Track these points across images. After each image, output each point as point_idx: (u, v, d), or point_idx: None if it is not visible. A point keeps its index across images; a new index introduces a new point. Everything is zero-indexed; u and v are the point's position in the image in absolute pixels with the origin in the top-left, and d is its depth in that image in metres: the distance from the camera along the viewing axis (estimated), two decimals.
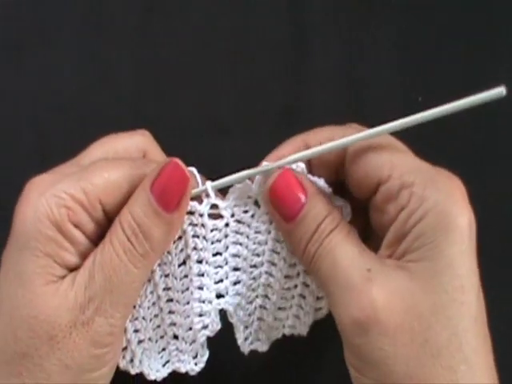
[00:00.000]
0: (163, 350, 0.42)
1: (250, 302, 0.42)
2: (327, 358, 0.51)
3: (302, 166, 0.39)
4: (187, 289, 0.40)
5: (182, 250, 0.40)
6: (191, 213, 0.39)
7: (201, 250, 0.40)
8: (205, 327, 0.41)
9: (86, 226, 0.36)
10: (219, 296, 0.41)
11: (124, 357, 0.40)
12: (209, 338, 0.41)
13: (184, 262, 0.40)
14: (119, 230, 0.36)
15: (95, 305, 0.35)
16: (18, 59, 0.53)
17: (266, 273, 0.41)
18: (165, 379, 0.42)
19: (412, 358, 0.33)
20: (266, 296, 0.42)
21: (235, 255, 0.41)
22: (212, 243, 0.40)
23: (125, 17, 0.54)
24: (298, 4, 0.54)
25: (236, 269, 0.41)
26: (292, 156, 0.39)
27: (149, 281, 0.40)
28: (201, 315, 0.40)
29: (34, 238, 0.35)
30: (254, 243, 0.41)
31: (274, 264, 0.41)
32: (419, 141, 0.38)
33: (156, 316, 0.41)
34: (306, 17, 0.54)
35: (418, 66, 0.53)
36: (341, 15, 0.54)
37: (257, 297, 0.42)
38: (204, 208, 0.39)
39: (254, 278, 0.41)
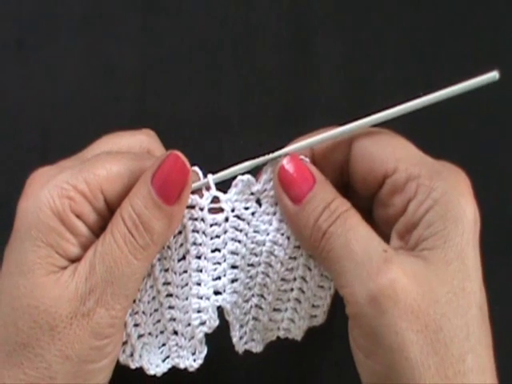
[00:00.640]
0: (163, 345, 0.42)
1: (246, 301, 0.42)
2: (327, 356, 0.51)
3: (306, 160, 0.39)
4: (186, 284, 0.40)
5: (181, 245, 0.40)
6: (191, 207, 0.39)
7: (200, 245, 0.40)
8: (202, 323, 0.41)
9: (87, 217, 0.37)
10: (217, 293, 0.41)
11: (124, 351, 0.40)
12: (208, 335, 0.41)
13: (183, 257, 0.40)
14: (120, 221, 0.36)
15: (96, 296, 0.35)
16: (20, 56, 0.53)
17: (263, 273, 0.41)
18: (164, 374, 0.42)
19: (426, 345, 0.33)
20: (262, 296, 0.42)
21: (233, 252, 0.41)
22: (211, 238, 0.40)
23: (126, 14, 0.54)
24: (299, 2, 0.54)
25: (234, 266, 0.41)
26: (296, 144, 0.39)
27: (149, 275, 0.40)
28: (199, 311, 0.40)
29: (36, 228, 0.35)
30: (252, 242, 0.40)
31: (270, 266, 0.41)
32: (419, 136, 0.39)
33: (156, 310, 0.41)
34: (307, 14, 0.54)
35: (419, 63, 0.53)
36: (342, 12, 0.54)
37: (253, 296, 0.42)
38: (205, 202, 0.39)
39: (250, 277, 0.41)
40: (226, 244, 0.40)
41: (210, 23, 0.54)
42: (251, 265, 0.41)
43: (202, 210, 0.39)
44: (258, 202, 0.41)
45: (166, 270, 0.40)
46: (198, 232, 0.40)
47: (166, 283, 0.40)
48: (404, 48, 0.54)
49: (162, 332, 0.42)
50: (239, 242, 0.40)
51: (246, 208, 0.40)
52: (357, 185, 0.39)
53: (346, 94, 0.52)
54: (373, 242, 0.35)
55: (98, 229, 0.37)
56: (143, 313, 0.40)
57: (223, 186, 0.40)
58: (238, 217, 0.40)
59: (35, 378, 0.34)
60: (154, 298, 0.40)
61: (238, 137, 0.52)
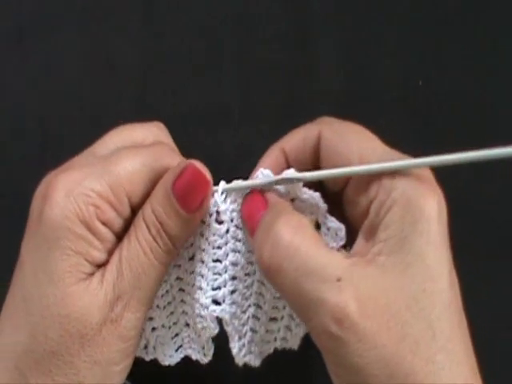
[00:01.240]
0: (176, 335, 0.42)
1: (244, 312, 0.41)
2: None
3: (300, 185, 0.38)
4: (193, 285, 0.40)
5: (191, 245, 0.40)
6: None
7: (203, 251, 0.39)
8: (204, 328, 0.41)
9: (113, 223, 0.36)
10: (216, 302, 0.40)
11: (138, 344, 0.40)
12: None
13: (192, 257, 0.40)
14: (144, 227, 0.36)
15: (124, 301, 0.36)
16: (20, 51, 0.52)
17: (258, 281, 0.41)
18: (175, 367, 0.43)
19: (392, 358, 0.32)
20: (258, 305, 0.41)
21: (234, 264, 0.40)
22: (213, 248, 0.40)
23: (127, 8, 0.52)
24: (300, 0, 0.54)
25: (234, 278, 0.40)
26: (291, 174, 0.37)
27: None
28: (200, 316, 0.40)
29: (65, 236, 0.35)
30: (249, 251, 0.40)
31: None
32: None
33: (169, 303, 0.41)
34: (307, 12, 0.53)
35: (419, 63, 0.53)
36: (342, 11, 0.54)
37: (249, 306, 0.41)
38: (213, 208, 0.39)
39: (247, 287, 0.41)
40: (227, 255, 0.40)
41: (211, 18, 0.53)
42: (248, 274, 0.41)
43: (210, 215, 0.39)
44: None
45: (178, 266, 0.40)
46: (202, 237, 0.39)
47: (178, 278, 0.41)
48: (404, 47, 0.53)
49: (174, 323, 0.42)
50: (239, 252, 0.40)
51: None
52: (326, 182, 0.39)
53: (345, 91, 0.52)
54: (326, 271, 0.33)
55: (122, 231, 0.37)
56: (157, 307, 0.40)
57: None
58: (237, 227, 0.40)
59: None
60: (167, 291, 0.41)
61: (237, 132, 0.52)
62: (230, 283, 0.40)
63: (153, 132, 0.41)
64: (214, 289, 0.40)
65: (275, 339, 0.42)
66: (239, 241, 0.40)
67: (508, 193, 0.52)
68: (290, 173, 0.37)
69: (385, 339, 0.32)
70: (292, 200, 0.39)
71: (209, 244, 0.39)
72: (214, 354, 0.42)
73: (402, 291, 0.33)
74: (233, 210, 0.39)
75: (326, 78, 0.53)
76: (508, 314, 0.49)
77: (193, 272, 0.40)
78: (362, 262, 0.34)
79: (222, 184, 0.39)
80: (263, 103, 0.52)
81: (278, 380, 0.51)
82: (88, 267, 0.36)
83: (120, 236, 0.37)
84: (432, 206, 0.34)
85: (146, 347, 0.41)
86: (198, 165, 0.37)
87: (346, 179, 0.37)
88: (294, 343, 0.42)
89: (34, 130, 0.51)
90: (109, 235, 0.36)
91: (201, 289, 0.40)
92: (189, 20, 0.53)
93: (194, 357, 0.42)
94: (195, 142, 0.49)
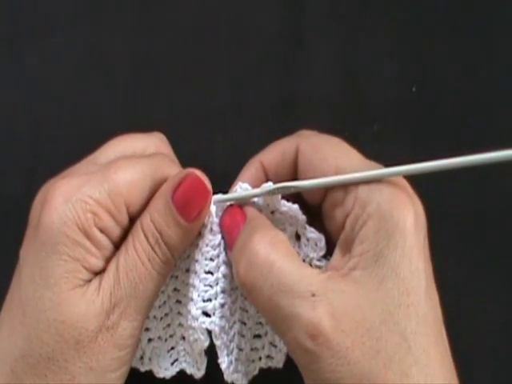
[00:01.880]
0: (172, 348, 0.42)
1: (230, 328, 0.41)
2: None
3: (278, 197, 0.38)
4: (187, 295, 0.40)
5: (188, 257, 0.40)
6: None
7: (196, 261, 0.39)
8: (195, 340, 0.40)
9: (111, 231, 0.37)
10: (207, 314, 0.40)
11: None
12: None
13: (187, 270, 0.40)
14: (142, 237, 0.37)
15: (120, 310, 0.36)
16: (13, 52, 0.52)
17: (242, 295, 0.41)
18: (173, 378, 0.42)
19: (365, 373, 0.32)
20: (243, 322, 0.41)
21: (225, 276, 0.40)
22: (205, 259, 0.39)
23: (120, 10, 0.52)
24: (297, 0, 0.54)
25: (223, 291, 0.40)
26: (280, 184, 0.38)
27: None
28: (192, 328, 0.40)
29: (62, 242, 0.35)
30: None
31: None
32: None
33: (166, 315, 0.41)
34: (303, 11, 0.53)
35: (416, 62, 0.53)
36: (338, 10, 0.53)
37: (235, 322, 0.41)
38: (208, 219, 0.39)
39: (233, 302, 0.41)
40: (219, 268, 0.40)
41: (205, 19, 0.53)
42: (233, 288, 0.40)
43: (205, 226, 0.39)
44: None
45: (176, 277, 0.40)
46: (197, 247, 0.39)
47: (176, 290, 0.41)
48: (401, 47, 0.53)
49: (171, 336, 0.42)
50: (228, 265, 0.40)
51: None
52: (304, 195, 0.39)
53: (340, 91, 0.52)
54: (299, 287, 0.34)
55: (119, 239, 0.38)
56: (154, 317, 0.41)
57: None
58: None
59: None
60: (164, 302, 0.41)
61: (230, 133, 0.51)
62: (220, 296, 0.40)
63: (154, 142, 0.41)
64: (204, 300, 0.39)
65: (260, 358, 0.42)
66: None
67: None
68: (268, 186, 0.38)
69: (358, 355, 0.32)
70: (272, 212, 0.39)
71: (202, 255, 0.39)
72: (208, 369, 0.41)
73: (377, 306, 0.33)
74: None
75: (320, 83, 0.52)
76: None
77: (188, 284, 0.40)
78: (336, 276, 0.34)
79: (217, 195, 0.39)
80: (257, 106, 0.52)
81: None
82: (85, 274, 0.36)
83: (117, 244, 0.38)
84: (407, 218, 0.34)
85: (141, 358, 0.41)
86: (199, 173, 0.37)
87: (323, 192, 0.37)
88: (278, 361, 0.42)
89: (27, 132, 0.51)
90: (106, 243, 0.37)
91: (192, 300, 0.39)
92: (183, 22, 0.53)
93: (188, 371, 0.42)
94: (188, 144, 0.48)
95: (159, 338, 0.41)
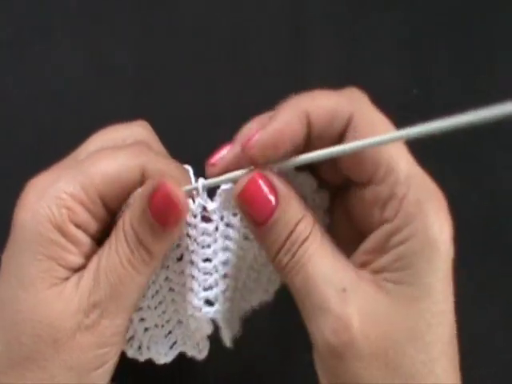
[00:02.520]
0: (170, 332, 0.42)
1: (233, 300, 0.41)
2: None
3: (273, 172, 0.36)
4: (183, 285, 0.40)
5: (178, 246, 0.39)
6: None
7: (192, 251, 0.39)
8: (197, 329, 0.40)
9: (87, 225, 0.36)
10: (209, 302, 0.40)
11: (131, 345, 0.40)
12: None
13: (181, 258, 0.40)
14: (123, 240, 0.36)
15: (100, 309, 0.35)
16: (15, 54, 0.52)
17: (247, 269, 0.40)
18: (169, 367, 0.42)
19: (386, 383, 0.32)
20: (244, 284, 0.41)
21: (224, 262, 0.39)
22: (202, 247, 0.39)
23: (122, 11, 0.53)
24: (297, 1, 0.53)
25: (225, 276, 0.40)
26: (294, 159, 0.35)
27: None
28: (193, 317, 0.40)
29: (36, 241, 0.34)
30: (242, 249, 0.39)
31: (256, 261, 0.40)
32: None
33: (160, 303, 0.41)
34: (304, 13, 0.53)
35: (417, 63, 0.53)
36: (339, 12, 0.53)
37: (238, 291, 0.41)
38: (197, 209, 0.38)
39: (237, 278, 0.40)
40: (216, 254, 0.39)
41: (206, 21, 0.53)
42: (239, 271, 0.40)
43: (195, 216, 0.38)
44: None
45: (166, 267, 0.40)
46: (190, 238, 0.39)
47: (167, 279, 0.40)
48: (402, 48, 0.53)
49: (167, 321, 0.42)
50: (229, 250, 0.39)
51: (235, 214, 0.39)
52: (343, 167, 0.36)
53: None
54: (332, 277, 0.34)
55: (98, 234, 0.37)
56: (148, 307, 0.40)
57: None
58: (227, 225, 0.39)
59: None
60: (157, 291, 0.40)
61: (232, 135, 0.51)
62: (221, 282, 0.40)
63: (136, 131, 0.40)
64: (205, 289, 0.40)
65: (251, 301, 0.42)
66: (230, 239, 0.39)
67: None
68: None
69: (381, 364, 0.32)
70: None
71: (197, 244, 0.39)
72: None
73: (407, 322, 0.33)
74: (223, 208, 0.39)
75: (323, 76, 0.52)
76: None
77: (182, 272, 0.40)
78: (368, 280, 0.34)
79: (201, 181, 0.38)
80: (259, 108, 0.52)
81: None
82: (62, 272, 0.35)
83: (97, 239, 0.37)
84: (448, 245, 0.34)
85: (139, 348, 0.41)
86: (169, 187, 0.35)
87: (367, 181, 0.35)
88: (268, 297, 0.42)
89: (28, 133, 0.51)
90: (84, 238, 0.36)
91: (192, 291, 0.39)
92: (184, 23, 0.53)
93: (189, 353, 0.42)
94: (189, 146, 0.48)
95: (156, 325, 0.41)
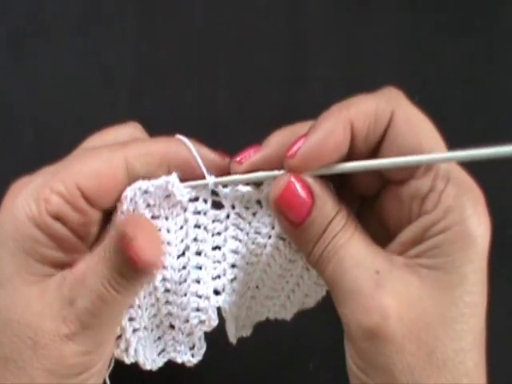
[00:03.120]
0: (159, 338, 0.42)
1: (242, 296, 0.41)
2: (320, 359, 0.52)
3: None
4: (185, 280, 0.40)
5: (182, 241, 0.39)
6: (195, 199, 0.38)
7: (201, 241, 0.39)
8: (201, 322, 0.40)
9: (66, 217, 0.35)
10: (217, 292, 0.40)
11: (118, 345, 0.40)
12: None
13: (183, 253, 0.39)
14: (104, 262, 0.35)
15: (81, 322, 0.34)
16: (16, 56, 0.53)
17: (260, 270, 0.40)
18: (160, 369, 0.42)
19: (418, 368, 0.32)
20: (257, 287, 0.41)
21: (234, 251, 0.40)
22: (212, 235, 0.39)
23: (123, 13, 0.53)
24: (297, 2, 0.53)
25: (233, 265, 0.40)
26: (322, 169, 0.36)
27: None
28: (198, 310, 0.40)
29: (13, 237, 0.34)
30: (253, 243, 0.39)
31: (269, 266, 0.40)
32: None
33: (152, 305, 0.40)
34: (305, 14, 0.53)
35: (418, 63, 0.52)
36: (340, 14, 0.53)
37: (248, 288, 0.41)
38: (208, 193, 0.38)
39: (248, 274, 0.40)
40: (226, 242, 0.39)
41: (207, 23, 0.53)
42: (249, 263, 0.40)
43: (205, 202, 0.39)
44: (259, 202, 0.39)
45: (165, 267, 0.39)
46: (199, 227, 0.39)
47: (164, 279, 0.39)
48: (403, 48, 0.52)
49: (157, 326, 0.41)
50: (240, 241, 0.39)
51: (247, 208, 0.39)
52: (383, 172, 0.36)
53: (343, 94, 0.51)
54: (365, 262, 0.34)
55: (80, 227, 0.36)
56: (139, 307, 0.40)
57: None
58: (238, 215, 0.39)
59: None
60: (150, 293, 0.40)
61: (234, 137, 0.51)
62: (229, 271, 0.40)
63: (126, 133, 0.40)
64: (213, 278, 0.40)
65: (269, 311, 0.43)
66: (241, 230, 0.39)
67: None
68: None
69: (414, 347, 0.32)
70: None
71: (207, 232, 0.39)
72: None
73: (440, 308, 0.33)
74: (235, 198, 0.39)
75: (323, 87, 0.52)
76: None
77: (184, 267, 0.39)
78: (400, 263, 0.35)
79: (212, 178, 0.38)
80: (260, 109, 0.52)
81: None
82: (38, 267, 0.35)
83: (81, 234, 0.36)
84: (485, 236, 0.34)
85: (126, 349, 0.40)
86: (133, 251, 0.34)
87: (407, 177, 0.35)
88: (287, 316, 0.42)
89: (29, 133, 0.52)
90: (62, 230, 0.35)
91: (198, 281, 0.39)
92: (185, 24, 0.53)
93: (179, 360, 0.41)
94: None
95: (145, 328, 0.40)
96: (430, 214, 0.34)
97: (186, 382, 0.48)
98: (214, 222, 0.39)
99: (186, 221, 0.39)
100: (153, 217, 0.38)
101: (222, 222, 0.39)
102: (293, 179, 0.35)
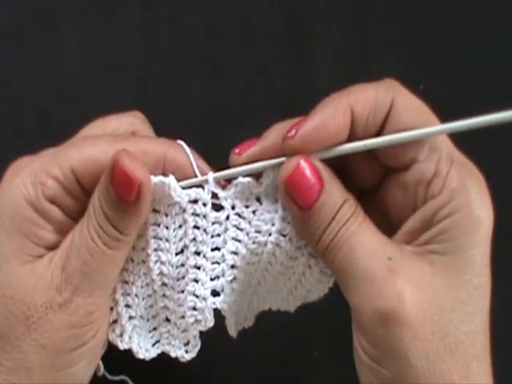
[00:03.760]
0: (154, 329, 0.42)
1: (243, 293, 0.41)
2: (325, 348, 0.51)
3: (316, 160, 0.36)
4: (183, 278, 0.40)
5: (180, 239, 0.39)
6: (195, 201, 0.38)
7: (200, 242, 0.39)
8: (197, 321, 0.40)
9: (61, 201, 0.36)
10: (214, 293, 0.40)
11: (114, 330, 0.40)
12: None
13: (182, 251, 0.39)
14: (92, 215, 0.36)
15: (72, 286, 0.35)
16: (20, 47, 0.54)
17: (262, 269, 0.40)
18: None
19: (432, 352, 0.33)
20: (259, 283, 0.41)
21: (233, 252, 0.39)
22: (212, 237, 0.39)
23: (126, 5, 0.54)
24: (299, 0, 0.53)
25: (233, 266, 0.39)
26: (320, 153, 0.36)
27: (143, 262, 0.40)
28: (194, 309, 0.40)
29: (10, 218, 0.35)
30: (254, 243, 0.39)
31: (270, 264, 0.40)
32: None
33: (149, 296, 0.41)
34: (307, 4, 0.53)
35: (419, 52, 0.52)
36: (342, 4, 0.53)
37: (250, 286, 0.41)
38: (207, 197, 0.38)
39: (250, 273, 0.40)
40: (226, 243, 0.39)
41: (211, 17, 0.53)
42: (250, 263, 0.40)
43: (205, 205, 0.38)
44: (258, 199, 0.39)
45: (162, 263, 0.39)
46: (198, 229, 0.39)
47: (161, 274, 0.40)
48: (404, 37, 0.52)
49: (153, 316, 0.41)
50: (240, 241, 0.39)
51: (247, 206, 0.39)
52: (382, 156, 0.37)
53: (346, 85, 0.51)
54: (377, 249, 0.35)
55: (75, 212, 0.37)
56: (136, 296, 0.40)
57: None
58: (238, 215, 0.39)
59: (12, 370, 0.35)
60: (147, 284, 0.40)
61: (238, 128, 0.51)
62: (228, 272, 0.39)
63: (126, 122, 0.40)
64: (212, 279, 0.40)
65: (271, 303, 0.42)
66: (241, 230, 0.39)
67: None
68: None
69: (427, 331, 0.33)
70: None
71: (207, 234, 0.39)
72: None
73: (451, 292, 0.34)
74: (235, 198, 0.39)
75: (326, 79, 0.52)
76: None
77: (182, 265, 0.39)
78: (411, 251, 0.35)
79: (211, 174, 0.38)
80: (265, 103, 0.52)
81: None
82: (35, 249, 0.36)
83: (75, 218, 0.37)
84: (489, 220, 0.35)
85: (121, 335, 0.40)
86: (125, 163, 0.35)
87: (409, 163, 0.36)
88: (290, 308, 0.42)
89: (33, 129, 0.53)
90: (58, 214, 0.36)
91: (196, 281, 0.39)
92: (188, 19, 0.53)
93: (172, 354, 0.41)
94: (196, 141, 0.49)
95: (141, 317, 0.41)
96: (436, 198, 0.34)
97: (190, 369, 0.47)
98: (213, 224, 0.39)
99: (185, 221, 0.39)
100: (154, 210, 0.39)
101: (221, 224, 0.39)
102: (303, 162, 0.35)
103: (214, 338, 0.41)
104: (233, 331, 0.42)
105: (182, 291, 0.40)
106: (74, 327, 0.36)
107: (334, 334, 0.47)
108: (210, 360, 0.46)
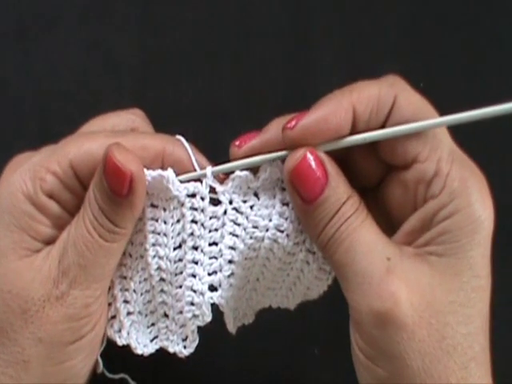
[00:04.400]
0: (152, 324, 0.42)
1: (242, 288, 0.41)
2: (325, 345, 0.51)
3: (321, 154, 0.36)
4: (181, 273, 0.40)
5: (178, 234, 0.39)
6: (192, 195, 0.38)
7: (197, 237, 0.39)
8: (195, 316, 0.40)
9: (59, 196, 0.36)
10: (212, 288, 0.40)
11: (112, 326, 0.40)
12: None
13: (180, 246, 0.39)
14: (88, 208, 0.36)
15: (69, 279, 0.35)
16: (21, 46, 0.54)
17: (260, 265, 0.40)
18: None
19: (428, 354, 0.33)
20: (257, 279, 0.41)
21: (231, 247, 0.39)
22: (209, 231, 0.39)
23: (127, 4, 0.54)
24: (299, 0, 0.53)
25: (231, 261, 0.39)
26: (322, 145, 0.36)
27: (141, 257, 0.40)
28: (192, 304, 0.40)
29: (8, 212, 0.35)
30: (251, 238, 0.39)
31: (268, 260, 0.40)
32: None
33: (147, 291, 0.41)
34: (307, 3, 0.53)
35: (419, 52, 0.52)
36: (342, 4, 0.53)
37: (248, 282, 0.41)
38: (205, 191, 0.38)
39: (247, 269, 0.40)
40: (223, 238, 0.39)
41: (212, 15, 0.53)
42: (248, 259, 0.40)
43: (203, 199, 0.38)
44: (256, 194, 0.39)
45: (160, 258, 0.39)
46: (196, 223, 0.39)
47: (159, 269, 0.40)
48: (404, 37, 0.52)
49: (152, 312, 0.41)
50: (237, 236, 0.39)
51: (245, 201, 0.39)
52: (383, 151, 0.36)
53: (346, 85, 0.51)
54: (376, 248, 0.35)
55: (73, 207, 0.37)
56: (134, 291, 0.40)
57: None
58: (236, 210, 0.39)
59: (9, 363, 0.35)
60: (145, 279, 0.40)
61: (237, 126, 0.50)
62: (226, 267, 0.39)
63: (125, 119, 0.41)
64: (209, 274, 0.39)
65: (271, 300, 0.42)
66: (238, 225, 0.39)
67: None
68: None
69: (424, 334, 0.33)
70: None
71: (205, 229, 0.39)
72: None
73: (448, 294, 0.33)
74: (233, 192, 0.39)
75: (326, 78, 0.52)
76: None
77: (180, 260, 0.39)
78: (410, 252, 0.35)
79: (209, 168, 0.38)
80: (265, 102, 0.52)
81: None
82: (33, 243, 0.36)
83: (73, 213, 0.37)
84: (490, 221, 0.34)
85: (119, 331, 0.40)
86: (116, 154, 0.35)
87: (410, 162, 0.35)
88: (290, 306, 0.42)
89: (33, 128, 0.53)
90: (56, 209, 0.36)
91: (194, 276, 0.39)
92: (188, 18, 0.53)
93: (171, 349, 0.41)
94: (195, 140, 0.49)
95: (139, 312, 0.41)
96: (436, 199, 0.34)
97: (189, 367, 0.47)
98: (211, 218, 0.39)
99: (182, 215, 0.39)
100: (152, 205, 0.39)
101: (219, 219, 0.39)
102: (309, 154, 0.35)
103: (213, 334, 0.41)
104: (231, 327, 0.41)
105: (180, 286, 0.40)
106: (72, 320, 0.36)
107: (335, 331, 0.47)
108: (209, 356, 0.45)
